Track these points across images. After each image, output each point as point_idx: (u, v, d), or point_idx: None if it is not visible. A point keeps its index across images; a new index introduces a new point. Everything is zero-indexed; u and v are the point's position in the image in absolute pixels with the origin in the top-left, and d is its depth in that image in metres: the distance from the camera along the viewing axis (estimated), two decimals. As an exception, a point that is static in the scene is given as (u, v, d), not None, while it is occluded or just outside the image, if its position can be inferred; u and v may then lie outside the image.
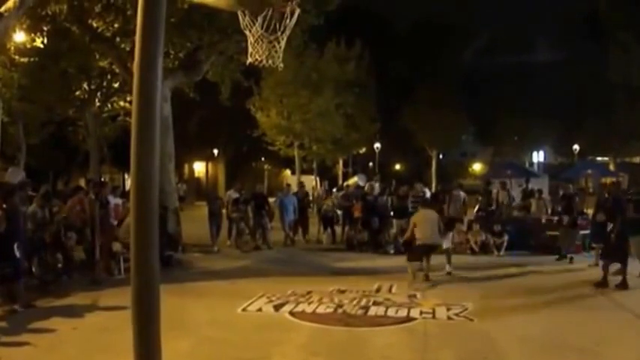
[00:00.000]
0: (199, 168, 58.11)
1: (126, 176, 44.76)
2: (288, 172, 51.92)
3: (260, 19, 5.53)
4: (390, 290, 12.16)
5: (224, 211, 19.57)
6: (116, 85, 25.07)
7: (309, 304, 10.85)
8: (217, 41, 17.45)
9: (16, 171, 16.45)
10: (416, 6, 69.38)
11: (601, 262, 13.30)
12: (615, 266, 12.92)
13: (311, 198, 26.26)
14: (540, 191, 22.70)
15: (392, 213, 19.57)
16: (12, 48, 18.95)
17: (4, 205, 10.36)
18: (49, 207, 13.17)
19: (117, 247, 13.86)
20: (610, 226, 13.21)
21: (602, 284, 12.60)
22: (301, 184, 24.59)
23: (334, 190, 27.38)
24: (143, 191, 4.35)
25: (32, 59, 20.42)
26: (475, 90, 55.52)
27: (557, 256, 16.74)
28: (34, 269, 12.46)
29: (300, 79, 35.30)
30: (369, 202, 19.90)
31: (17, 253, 10.29)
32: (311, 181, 39.87)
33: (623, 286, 12.48)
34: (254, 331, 9.10)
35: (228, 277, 13.84)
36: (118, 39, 17.70)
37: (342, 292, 11.91)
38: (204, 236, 19.19)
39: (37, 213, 12.51)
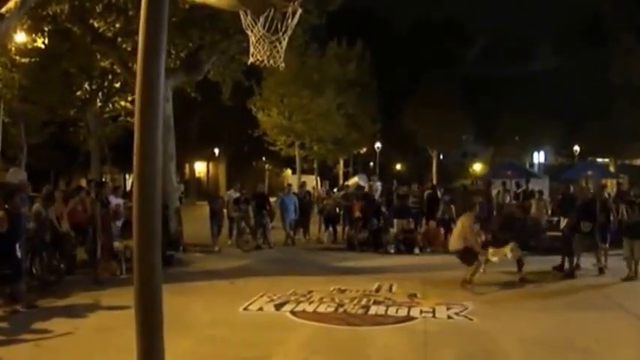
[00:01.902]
0: (200, 168, 58.17)
1: (127, 176, 44.85)
2: (289, 171, 51.98)
3: (262, 19, 5.54)
4: (390, 289, 12.20)
5: (225, 210, 19.60)
6: (117, 85, 25.12)
7: (310, 303, 10.89)
8: (219, 41, 17.48)
9: (17, 171, 16.49)
10: (417, 6, 69.40)
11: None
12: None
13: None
14: (541, 192, 22.68)
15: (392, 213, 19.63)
16: (13, 48, 18.97)
17: (6, 206, 10.38)
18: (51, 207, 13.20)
19: (117, 245, 13.92)
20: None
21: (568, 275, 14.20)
22: (302, 184, 24.62)
23: (335, 190, 27.42)
24: (145, 191, 4.37)
25: (33, 60, 20.43)
26: (476, 90, 55.51)
27: (564, 271, 14.51)
28: (35, 270, 12.48)
29: (301, 79, 35.38)
30: (369, 202, 19.94)
31: (19, 254, 10.33)
32: (312, 181, 39.93)
33: (570, 275, 14.09)
34: (255, 331, 9.13)
35: (229, 277, 13.85)
36: (119, 39, 17.71)
37: (343, 291, 11.95)
38: (205, 236, 19.20)
39: (40, 213, 12.53)
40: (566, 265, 14.43)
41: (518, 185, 25.23)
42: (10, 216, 10.24)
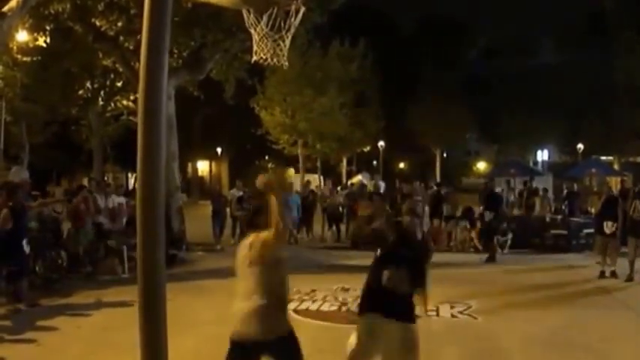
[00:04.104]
0: (203, 167, 58.17)
1: (129, 175, 44.85)
2: (291, 170, 51.87)
3: (265, 17, 5.52)
4: (394, 288, 12.15)
5: (228, 209, 19.60)
6: (119, 84, 25.09)
7: (314, 301, 10.89)
8: (221, 40, 17.46)
9: (19, 170, 16.47)
10: (420, 5, 69.38)
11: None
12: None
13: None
14: (545, 190, 22.63)
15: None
16: (15, 47, 18.98)
17: (10, 204, 10.37)
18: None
19: (112, 243, 14.00)
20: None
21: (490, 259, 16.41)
22: (307, 183, 24.62)
23: (338, 188, 27.41)
24: (149, 190, 4.34)
25: (35, 58, 20.45)
26: (479, 89, 55.48)
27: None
28: (37, 268, 12.48)
29: (304, 77, 35.33)
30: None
31: (27, 249, 10.36)
32: (315, 180, 39.89)
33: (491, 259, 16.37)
34: (258, 330, 9.08)
35: (231, 276, 13.79)
36: (121, 38, 17.70)
37: (346, 290, 11.91)
38: (207, 235, 19.20)
39: (43, 211, 12.54)
40: None
41: (525, 183, 25.07)
42: (14, 213, 10.24)
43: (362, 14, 48.33)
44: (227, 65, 20.25)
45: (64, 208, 13.75)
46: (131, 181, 43.43)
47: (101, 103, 26.78)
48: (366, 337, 5.75)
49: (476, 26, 61.83)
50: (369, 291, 5.91)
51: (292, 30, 5.67)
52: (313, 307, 10.53)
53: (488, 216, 17.09)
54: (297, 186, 23.18)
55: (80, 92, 25.83)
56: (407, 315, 5.69)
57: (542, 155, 59.31)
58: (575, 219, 19.66)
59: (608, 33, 42.25)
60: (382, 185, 22.14)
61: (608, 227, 13.74)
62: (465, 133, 58.87)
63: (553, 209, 21.80)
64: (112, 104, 27.20)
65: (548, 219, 19.66)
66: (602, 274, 13.67)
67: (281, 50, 5.78)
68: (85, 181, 26.01)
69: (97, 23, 17.34)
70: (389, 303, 5.65)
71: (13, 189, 10.84)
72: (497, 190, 21.81)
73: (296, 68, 32.35)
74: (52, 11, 16.20)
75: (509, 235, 18.12)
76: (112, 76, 24.67)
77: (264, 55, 5.74)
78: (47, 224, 12.73)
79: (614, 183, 26.72)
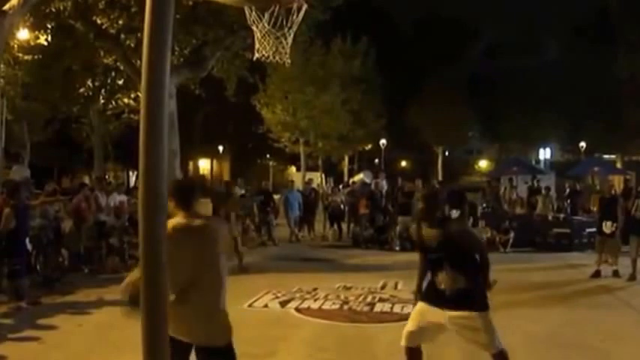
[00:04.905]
0: (204, 165, 58.17)
1: (130, 173, 44.88)
2: (293, 168, 51.92)
3: (267, 14, 5.49)
4: (395, 287, 12.14)
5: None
6: (120, 82, 25.09)
7: (315, 300, 10.86)
8: (223, 37, 17.46)
9: (20, 169, 16.47)
10: (422, 3, 69.25)
11: None
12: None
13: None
14: (548, 188, 22.57)
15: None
16: (16, 45, 18.97)
17: (12, 202, 10.36)
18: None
19: (114, 241, 13.99)
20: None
21: None
22: (309, 181, 24.59)
23: (340, 186, 27.40)
24: (151, 189, 4.31)
25: (36, 57, 20.44)
26: (482, 86, 55.35)
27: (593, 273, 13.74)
28: (38, 266, 12.47)
29: (306, 75, 35.29)
30: (375, 200, 19.90)
31: (29, 247, 10.37)
32: (317, 178, 39.88)
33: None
34: (260, 327, 9.07)
35: (231, 274, 13.77)
36: (122, 36, 17.69)
37: (348, 288, 11.91)
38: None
39: (47, 210, 12.53)
40: None
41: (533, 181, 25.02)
42: (16, 212, 10.23)
43: (364, 11, 48.25)
44: (228, 63, 20.22)
45: (61, 207, 13.73)
46: (132, 179, 43.47)
47: (102, 101, 26.77)
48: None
49: (478, 25, 61.70)
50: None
51: (294, 27, 5.64)
52: (315, 305, 10.50)
53: (454, 214, 16.88)
54: (299, 184, 23.12)
55: (81, 90, 25.82)
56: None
57: (545, 154, 59.18)
58: (577, 217, 19.64)
59: (611, 31, 42.20)
60: (385, 185, 22.06)
61: (608, 227, 13.72)
62: (467, 132, 58.80)
63: (555, 208, 21.76)
64: (113, 102, 27.19)
65: (550, 217, 19.63)
66: (596, 274, 13.62)
67: (283, 48, 5.76)
68: (87, 179, 26.04)
69: (98, 21, 17.32)
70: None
71: (15, 187, 10.83)
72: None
73: (298, 66, 32.34)
74: (53, 9, 16.19)
75: (511, 234, 18.11)
76: (113, 74, 24.66)
77: (266, 52, 5.72)
78: (50, 222, 12.72)
79: (617, 181, 26.59)
